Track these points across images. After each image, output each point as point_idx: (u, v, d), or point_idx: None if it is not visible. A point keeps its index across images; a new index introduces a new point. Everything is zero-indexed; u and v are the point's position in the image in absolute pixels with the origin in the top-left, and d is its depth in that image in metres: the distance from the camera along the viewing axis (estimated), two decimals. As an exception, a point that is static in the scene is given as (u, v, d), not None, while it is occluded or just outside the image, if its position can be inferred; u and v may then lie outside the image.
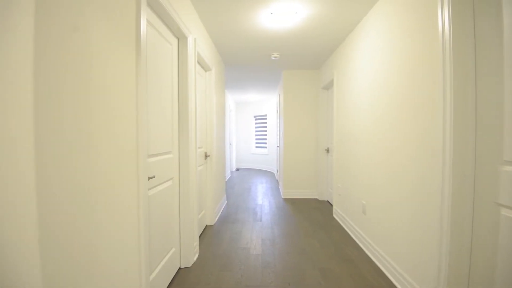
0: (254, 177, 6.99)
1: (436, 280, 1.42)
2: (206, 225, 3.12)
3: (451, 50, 1.33)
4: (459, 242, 1.34)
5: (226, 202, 4.23)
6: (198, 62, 2.75)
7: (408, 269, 1.73)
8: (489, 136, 1.23)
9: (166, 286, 1.81)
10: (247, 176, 7.08)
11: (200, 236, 2.79)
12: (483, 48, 1.26)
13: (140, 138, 1.27)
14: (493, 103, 1.21)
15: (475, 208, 1.30)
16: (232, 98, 7.89)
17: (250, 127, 8.89)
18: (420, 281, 1.60)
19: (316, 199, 4.48)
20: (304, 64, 4.22)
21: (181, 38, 2.07)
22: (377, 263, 2.18)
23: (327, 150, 4.32)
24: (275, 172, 7.39)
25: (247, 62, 4.09)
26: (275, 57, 3.78)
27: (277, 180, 6.36)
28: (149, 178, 1.48)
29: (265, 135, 8.47)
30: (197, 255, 2.30)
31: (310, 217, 3.46)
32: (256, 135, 8.85)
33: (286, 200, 4.46)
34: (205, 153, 3.01)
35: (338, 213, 3.35)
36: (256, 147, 8.85)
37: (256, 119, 8.81)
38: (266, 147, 8.42)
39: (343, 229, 3.03)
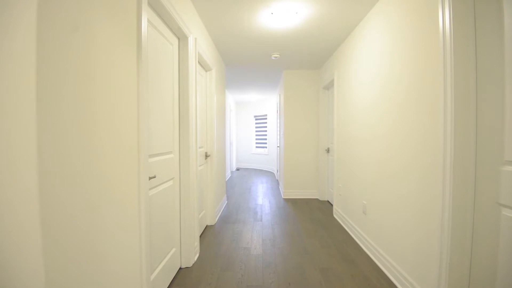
0: (254, 177, 6.99)
1: (437, 280, 1.42)
2: (207, 225, 3.12)
3: (452, 50, 1.33)
4: (460, 242, 1.34)
5: (226, 202, 4.23)
6: (199, 62, 2.76)
7: (409, 269, 1.73)
8: (490, 136, 1.23)
9: (167, 286, 1.81)
10: (247, 176, 7.08)
11: (200, 236, 2.79)
12: (484, 48, 1.26)
13: (141, 137, 1.27)
14: (494, 103, 1.21)
15: (476, 208, 1.31)
16: (232, 98, 7.89)
17: (250, 127, 8.89)
18: (420, 281, 1.61)
19: (317, 199, 4.48)
20: (305, 64, 4.22)
21: (181, 38, 2.07)
22: (377, 263, 2.18)
23: (328, 150, 4.32)
24: (275, 172, 7.39)
25: (247, 62, 4.09)
26: (276, 57, 3.78)
27: (277, 180, 6.36)
28: (150, 178, 1.48)
29: (265, 135, 8.47)
30: (197, 255, 2.30)
31: (311, 217, 3.46)
32: (256, 135, 8.85)
33: (286, 200, 4.46)
34: (206, 153, 3.02)
35: (339, 213, 3.35)
36: (256, 147, 8.85)
37: (256, 119, 8.81)
38: (266, 147, 8.42)
39: (344, 229, 3.03)
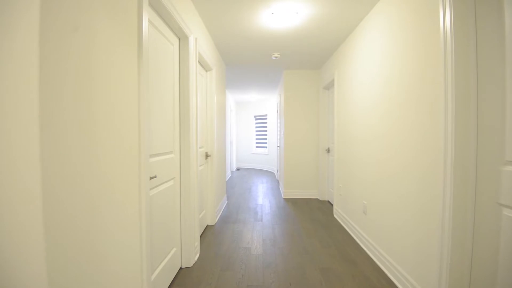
0: (254, 177, 6.99)
1: (438, 280, 1.42)
2: (207, 225, 3.12)
3: (452, 50, 1.33)
4: (460, 242, 1.34)
5: (226, 202, 4.23)
6: (199, 62, 2.76)
7: (409, 269, 1.73)
8: (490, 136, 1.23)
9: (167, 286, 1.81)
10: (248, 176, 7.09)
11: (201, 236, 2.79)
12: (485, 48, 1.26)
13: (142, 137, 1.27)
14: (495, 103, 1.21)
15: (477, 208, 1.30)
16: (232, 98, 7.89)
17: (251, 127, 8.89)
18: (421, 281, 1.60)
19: (317, 199, 4.48)
20: (305, 64, 4.22)
21: (182, 38, 2.07)
22: (378, 263, 2.18)
23: (328, 150, 4.32)
24: (275, 172, 7.39)
25: (247, 61, 4.09)
26: (276, 57, 3.78)
27: (277, 180, 6.36)
28: (151, 178, 1.48)
29: (266, 135, 8.47)
30: (198, 255, 2.30)
31: (311, 217, 3.46)
32: (257, 135, 8.85)
33: (286, 200, 4.46)
34: (206, 153, 3.02)
35: (339, 213, 3.35)
36: (257, 147, 8.85)
37: (256, 119, 8.81)
38: (266, 147, 8.42)
39: (344, 229, 3.03)
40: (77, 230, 0.84)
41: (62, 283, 0.78)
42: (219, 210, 3.51)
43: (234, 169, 8.43)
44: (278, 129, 5.93)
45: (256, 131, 8.85)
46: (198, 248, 2.32)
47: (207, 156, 2.99)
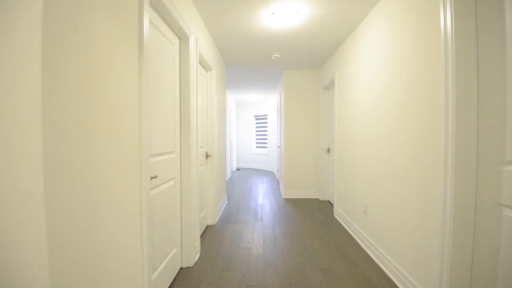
0: (254, 177, 6.99)
1: (438, 279, 1.42)
2: (207, 225, 3.12)
3: (453, 50, 1.33)
4: (461, 242, 1.34)
5: (227, 202, 4.23)
6: (200, 62, 2.76)
7: (410, 269, 1.73)
8: (491, 136, 1.23)
9: (168, 285, 1.81)
10: (248, 176, 7.08)
11: (201, 236, 2.79)
12: (485, 48, 1.26)
13: (143, 137, 1.27)
14: (495, 103, 1.20)
15: (477, 208, 1.30)
16: (232, 98, 7.89)
17: (251, 127, 8.89)
18: (422, 281, 1.60)
19: (317, 199, 4.48)
20: (305, 64, 4.21)
21: (183, 38, 2.07)
22: (378, 263, 2.18)
23: (328, 150, 4.31)
24: (275, 172, 7.39)
25: (248, 61, 4.09)
26: (276, 57, 3.77)
27: (277, 180, 6.36)
28: (152, 178, 1.48)
29: (266, 135, 8.47)
30: (198, 255, 2.30)
31: (311, 217, 3.46)
32: (257, 135, 8.85)
33: (287, 200, 4.46)
34: (206, 153, 3.02)
35: (339, 213, 3.34)
36: (257, 147, 8.85)
37: (256, 119, 8.81)
38: (266, 147, 8.42)
39: (344, 229, 3.03)
40: (77, 230, 0.84)
41: (63, 283, 0.78)
42: (219, 210, 3.51)
43: (234, 169, 8.43)
44: (278, 129, 5.93)
45: (256, 131, 8.85)
46: (199, 248, 2.32)
47: (207, 156, 2.99)
